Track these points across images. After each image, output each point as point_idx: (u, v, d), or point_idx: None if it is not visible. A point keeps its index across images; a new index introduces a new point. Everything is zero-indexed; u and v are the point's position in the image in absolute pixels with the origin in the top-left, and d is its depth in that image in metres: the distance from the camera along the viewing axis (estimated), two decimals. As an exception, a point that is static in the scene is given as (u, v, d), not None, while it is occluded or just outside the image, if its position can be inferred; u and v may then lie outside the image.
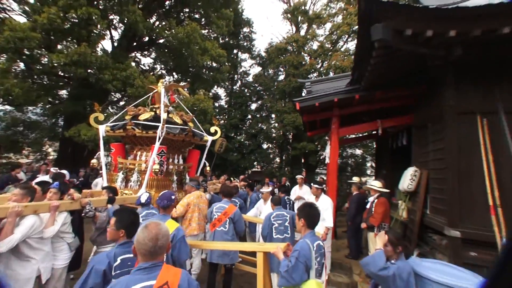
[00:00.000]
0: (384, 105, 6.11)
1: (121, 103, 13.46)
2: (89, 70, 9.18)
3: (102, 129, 4.92)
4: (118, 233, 1.98)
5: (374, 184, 5.14)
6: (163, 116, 4.57)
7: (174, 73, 14.68)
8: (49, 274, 2.99)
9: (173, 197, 3.13)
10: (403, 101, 5.97)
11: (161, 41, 12.52)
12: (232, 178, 9.71)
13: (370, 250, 5.14)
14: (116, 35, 12.67)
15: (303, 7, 15.95)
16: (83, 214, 3.38)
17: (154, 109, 5.19)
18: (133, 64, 11.75)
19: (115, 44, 12.16)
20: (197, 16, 13.84)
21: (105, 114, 5.52)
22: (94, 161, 4.97)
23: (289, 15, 16.49)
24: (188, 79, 13.65)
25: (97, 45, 10.15)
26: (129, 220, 2.02)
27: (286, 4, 18.98)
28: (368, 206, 5.18)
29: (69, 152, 11.27)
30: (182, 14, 13.82)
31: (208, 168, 5.93)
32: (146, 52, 14.33)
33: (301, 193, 6.70)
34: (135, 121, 4.72)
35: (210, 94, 15.85)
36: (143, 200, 3.51)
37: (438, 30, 3.50)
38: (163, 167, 4.52)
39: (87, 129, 8.66)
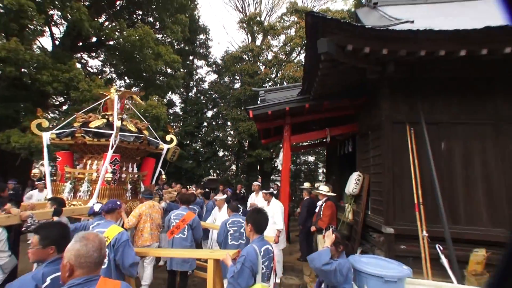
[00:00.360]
0: (332, 114, 6.58)
1: (64, 107, 12.28)
2: (23, 69, 8.23)
3: (46, 137, 4.55)
4: (46, 252, 1.75)
5: (322, 189, 5.47)
6: (117, 124, 4.43)
7: (125, 78, 13.90)
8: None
9: (118, 202, 3.16)
10: (348, 111, 6.49)
11: (111, 43, 11.79)
12: (188, 186, 9.61)
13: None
14: (58, 32, 11.62)
15: (258, 18, 16.44)
16: (23, 229, 3.03)
17: (106, 116, 5.00)
18: (78, 65, 10.85)
19: (57, 42, 11.12)
20: (151, 19, 13.37)
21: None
22: (35, 171, 4.65)
23: (244, 25, 16.85)
24: (142, 84, 13.05)
25: (33, 41, 9.17)
26: (59, 234, 1.80)
27: (242, 14, 19.45)
28: (317, 210, 5.47)
29: (-5, 161, 9.89)
30: (134, 16, 13.23)
31: (163, 176, 5.90)
32: (93, 54, 13.35)
33: (257, 200, 6.80)
34: (85, 129, 4.52)
35: (165, 100, 15.36)
36: (96, 209, 3.40)
37: (373, 48, 3.92)
38: (116, 176, 4.42)
39: (19, 136, 7.68)
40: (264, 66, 15.69)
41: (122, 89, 12.88)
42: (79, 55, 12.51)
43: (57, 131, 4.64)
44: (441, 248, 3.79)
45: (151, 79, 12.76)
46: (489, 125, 4.43)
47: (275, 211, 4.91)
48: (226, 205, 5.04)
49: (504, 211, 4.15)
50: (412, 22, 4.89)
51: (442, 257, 3.67)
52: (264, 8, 19.91)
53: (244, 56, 15.62)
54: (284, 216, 6.39)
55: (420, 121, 4.41)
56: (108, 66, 13.67)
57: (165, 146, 5.70)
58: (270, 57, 16.06)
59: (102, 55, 13.31)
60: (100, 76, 12.50)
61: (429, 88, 4.65)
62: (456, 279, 3.43)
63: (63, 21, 10.67)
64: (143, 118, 6.20)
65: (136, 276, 4.06)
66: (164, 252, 3.96)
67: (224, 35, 47.51)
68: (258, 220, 2.40)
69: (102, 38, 11.18)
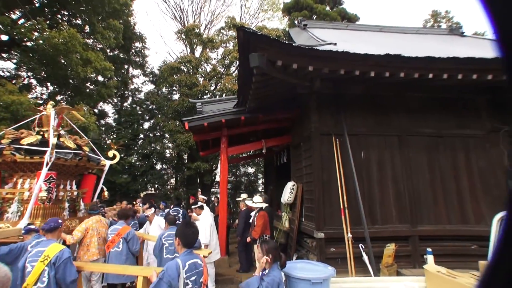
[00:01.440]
0: (268, 126, 6.83)
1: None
2: None
3: None
4: None
5: (255, 199, 5.56)
6: (52, 140, 4.20)
7: (48, 84, 12.28)
8: None
9: (59, 220, 3.17)
10: (283, 123, 6.82)
11: (29, 44, 10.32)
12: (134, 203, 9.35)
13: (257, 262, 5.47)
14: None
15: (197, 30, 16.34)
16: None
17: (41, 133, 4.64)
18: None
19: None
20: (79, 21, 12.20)
21: None
22: None
23: (183, 36, 16.55)
24: (68, 92, 11.66)
25: None
26: None
27: (180, 24, 19.13)
28: (251, 220, 5.52)
29: None
30: (59, 16, 11.88)
31: (106, 193, 5.73)
32: (4, 55, 11.46)
33: (201, 213, 6.64)
34: (15, 146, 4.21)
35: (96, 110, 14.03)
36: (32, 226, 3.40)
37: (300, 65, 4.23)
38: (52, 195, 4.21)
39: None
40: (203, 78, 15.56)
41: (44, 96, 11.38)
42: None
43: None
44: (363, 247, 4.21)
45: (79, 87, 11.56)
46: (395, 137, 5.22)
47: (202, 223, 4.98)
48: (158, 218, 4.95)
49: (407, 209, 4.90)
50: (335, 44, 5.45)
51: (364, 254, 4.08)
52: (203, 20, 19.96)
53: (183, 67, 15.28)
54: (223, 228, 6.32)
55: (344, 133, 4.88)
56: (25, 70, 11.91)
57: (107, 162, 5.49)
58: (209, 70, 16.04)
59: (16, 57, 11.53)
60: (14, 81, 10.79)
61: (350, 103, 5.21)
62: (373, 272, 3.85)
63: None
64: (83, 135, 5.72)
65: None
66: (98, 267, 3.97)
67: (162, 44, 46.01)
68: (185, 234, 2.33)
69: (16, 38, 9.72)
